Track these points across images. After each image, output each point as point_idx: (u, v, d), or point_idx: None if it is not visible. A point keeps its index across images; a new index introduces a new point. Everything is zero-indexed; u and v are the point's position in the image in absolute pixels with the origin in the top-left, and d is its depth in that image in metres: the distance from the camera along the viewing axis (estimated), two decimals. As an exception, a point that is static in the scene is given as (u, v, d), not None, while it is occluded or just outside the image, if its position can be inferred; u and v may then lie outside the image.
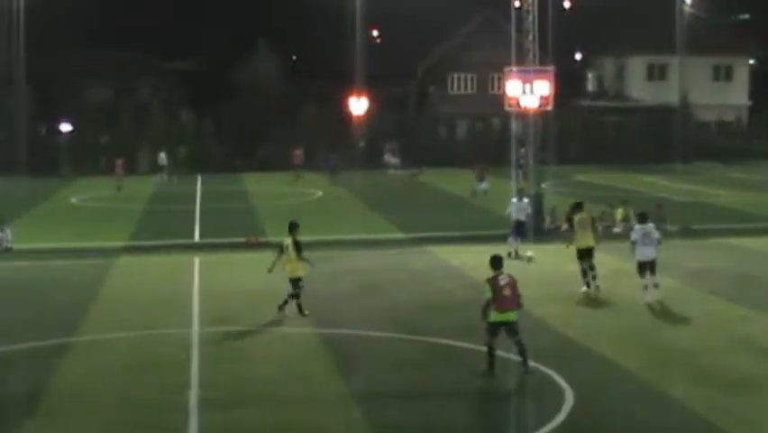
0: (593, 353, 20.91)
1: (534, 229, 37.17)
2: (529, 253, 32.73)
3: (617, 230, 38.41)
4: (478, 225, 40.19)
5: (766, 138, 65.85)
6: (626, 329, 22.98)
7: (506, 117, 56.66)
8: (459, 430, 16.30)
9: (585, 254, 27.43)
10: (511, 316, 18.84)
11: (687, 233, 38.34)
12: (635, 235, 25.82)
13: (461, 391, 18.36)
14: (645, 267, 25.51)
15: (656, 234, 25.87)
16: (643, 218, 26.58)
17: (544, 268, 31.24)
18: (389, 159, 73.47)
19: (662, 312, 24.70)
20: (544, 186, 41.69)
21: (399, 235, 38.24)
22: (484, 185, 53.20)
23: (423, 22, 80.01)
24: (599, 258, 27.80)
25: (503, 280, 18.94)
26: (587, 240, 27.65)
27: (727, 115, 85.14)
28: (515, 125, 45.83)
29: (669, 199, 47.89)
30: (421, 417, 16.90)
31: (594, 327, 23.19)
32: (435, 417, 16.88)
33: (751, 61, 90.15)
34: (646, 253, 25.59)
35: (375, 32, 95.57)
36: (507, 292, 18.82)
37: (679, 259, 32.30)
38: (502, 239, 33.87)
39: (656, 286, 25.44)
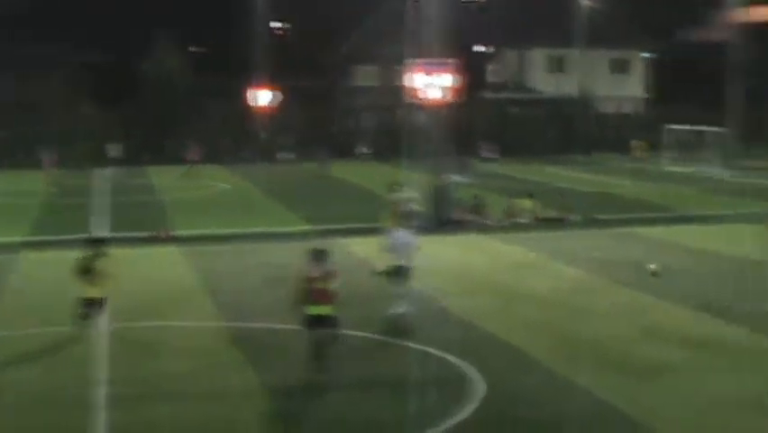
0: (503, 343, 20.97)
1: (438, 220, 37.31)
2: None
3: (523, 221, 38.70)
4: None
5: (662, 130, 66.90)
6: (535, 319, 23.08)
7: (411, 109, 56.79)
8: (371, 422, 16.19)
9: None
10: (323, 309, 18.31)
11: (591, 223, 38.77)
12: None
13: (372, 383, 18.27)
14: None
15: None
16: None
17: (451, 260, 31.30)
18: (284, 154, 72.87)
19: (570, 302, 24.88)
20: (451, 178, 41.72)
21: (307, 228, 38.02)
22: (464, 178, 53.69)
23: (329, 14, 79.81)
24: (505, 249, 27.97)
25: (316, 273, 18.42)
26: None
27: (625, 107, 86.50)
28: (418, 118, 45.89)
29: (572, 190, 48.40)
30: (333, 409, 16.76)
31: (503, 318, 23.25)
32: (347, 408, 16.75)
33: (646, 54, 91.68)
34: None
35: (280, 25, 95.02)
36: (319, 285, 18.32)
37: (583, 249, 32.68)
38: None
39: None
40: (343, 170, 63.69)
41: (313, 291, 18.32)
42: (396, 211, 31.28)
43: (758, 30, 78.12)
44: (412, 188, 36.75)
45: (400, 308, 22.09)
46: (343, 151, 72.31)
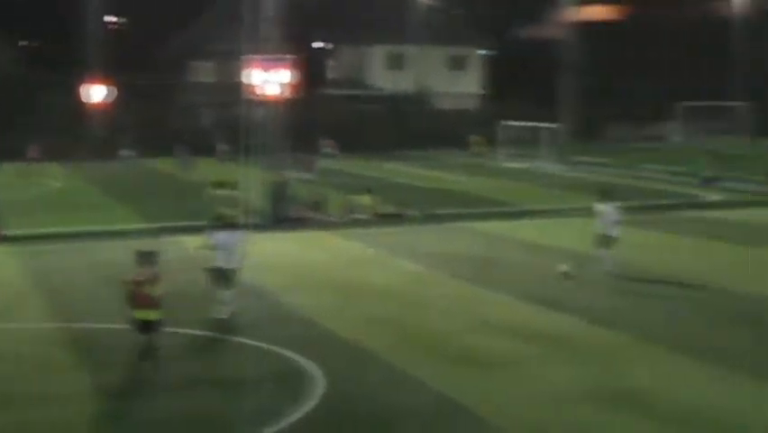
0: (342, 339, 20.95)
1: (276, 217, 37.16)
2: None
3: (361, 216, 38.82)
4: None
5: (498, 126, 67.97)
6: (374, 314, 23.14)
7: (249, 106, 56.39)
8: (210, 421, 15.97)
9: None
10: (148, 314, 17.96)
11: (429, 218, 39.14)
12: None
13: (209, 382, 17.98)
14: None
15: None
16: None
17: (289, 256, 31.19)
18: (125, 152, 71.08)
19: (409, 296, 25.04)
20: (290, 175, 41.61)
21: (144, 225, 37.33)
22: (309, 175, 53.97)
23: (166, 9, 78.62)
24: (344, 245, 27.97)
25: (141, 277, 18.12)
26: None
27: (462, 104, 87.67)
28: (256, 114, 45.56)
29: (410, 185, 48.78)
30: (170, 409, 16.47)
31: (342, 314, 23.24)
32: (185, 408, 16.47)
33: (483, 52, 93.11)
34: None
35: (115, 19, 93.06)
36: (145, 290, 17.98)
37: (422, 244, 32.97)
38: (252, 227, 33.64)
39: None
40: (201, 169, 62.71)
41: (137, 295, 17.98)
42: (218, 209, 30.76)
43: (590, 29, 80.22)
44: (253, 185, 36.46)
45: (223, 314, 21.81)
46: (201, 149, 70.86)
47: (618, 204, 28.01)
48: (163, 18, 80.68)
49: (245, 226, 35.19)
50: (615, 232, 27.16)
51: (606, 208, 27.38)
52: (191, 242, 32.20)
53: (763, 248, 31.93)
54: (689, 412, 16.04)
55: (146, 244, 23.11)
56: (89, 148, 68.64)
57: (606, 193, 27.96)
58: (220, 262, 22.00)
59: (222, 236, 22.21)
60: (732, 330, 21.46)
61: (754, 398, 16.81)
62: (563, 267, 26.99)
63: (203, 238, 23.18)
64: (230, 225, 23.22)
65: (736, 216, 40.02)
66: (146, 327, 17.98)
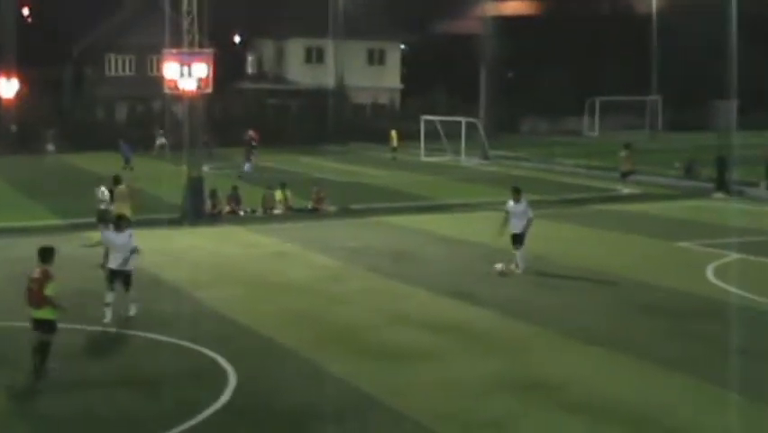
0: (256, 334, 20.85)
1: (193, 213, 36.86)
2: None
3: (277, 211, 38.67)
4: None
5: (418, 120, 68.07)
6: (289, 309, 23.08)
7: (168, 100, 56.07)
8: (123, 418, 15.77)
9: None
10: (35, 313, 17.67)
11: (345, 212, 39.11)
12: None
13: (122, 379, 17.77)
14: None
15: None
16: None
17: (204, 251, 30.96)
18: (50, 146, 69.69)
19: (323, 291, 25.01)
20: (205, 169, 41.22)
21: (57, 222, 36.75)
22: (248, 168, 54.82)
23: (79, 2, 77.53)
24: (260, 240, 27.81)
25: (35, 274, 17.81)
26: None
27: (381, 98, 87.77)
28: (174, 109, 45.24)
29: (327, 180, 48.65)
30: (81, 407, 16.23)
31: (256, 308, 23.14)
32: (96, 406, 16.26)
33: (402, 46, 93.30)
34: None
35: (26, 11, 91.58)
36: (33, 286, 17.70)
37: (337, 238, 32.93)
38: (167, 223, 33.60)
39: None
40: (93, 162, 61.72)
41: (32, 293, 17.69)
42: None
43: (509, 23, 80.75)
44: (168, 181, 36.03)
45: (107, 318, 21.11)
46: (96, 143, 69.81)
47: (528, 201, 27.63)
48: (79, 10, 79.35)
49: (161, 222, 35.19)
50: (527, 229, 26.88)
51: (518, 207, 26.93)
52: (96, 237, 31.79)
53: (676, 241, 32.39)
54: (602, 402, 16.26)
55: (53, 240, 22.63)
56: (3, 142, 67.31)
57: (518, 191, 27.28)
58: (111, 262, 21.35)
59: (111, 235, 21.61)
60: (644, 322, 21.77)
61: (665, 388, 17.07)
62: (499, 266, 26.85)
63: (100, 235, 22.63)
64: (120, 223, 22.33)
65: (651, 209, 40.56)
66: (37, 325, 17.66)
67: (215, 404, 16.19)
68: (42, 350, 17.58)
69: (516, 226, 26.79)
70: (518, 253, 26.81)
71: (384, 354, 19.25)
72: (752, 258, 29.11)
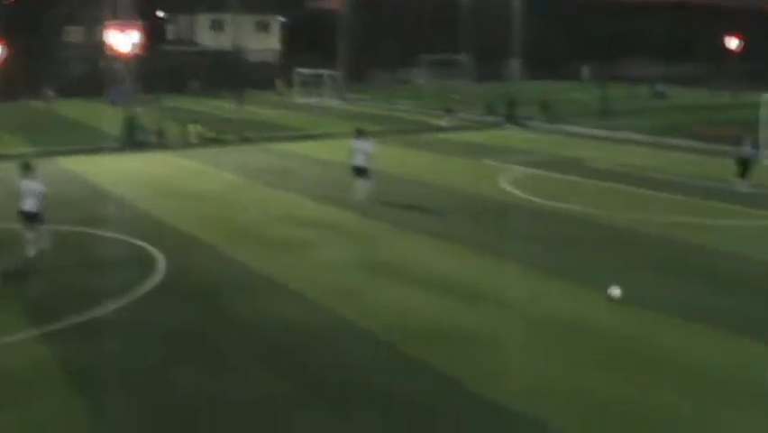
0: (181, 232, 20.51)
1: (129, 142, 35.97)
2: None
3: (193, 141, 37.77)
4: (88, 140, 37.73)
5: (293, 73, 67.15)
6: (204, 213, 22.72)
7: (110, 60, 54.03)
8: (81, 293, 15.30)
9: None
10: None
11: (244, 140, 38.48)
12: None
13: (78, 263, 17.33)
14: None
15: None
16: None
17: (139, 171, 30.12)
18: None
19: (229, 199, 24.68)
20: (138, 109, 40.08)
21: (32, 149, 35.04)
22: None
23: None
24: (180, 162, 27.11)
25: None
26: None
27: (267, 57, 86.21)
28: (114, 65, 43.69)
29: (230, 118, 47.65)
30: (48, 285, 15.78)
31: (180, 213, 22.70)
32: (60, 284, 15.83)
33: (282, 18, 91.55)
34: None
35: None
36: None
37: (238, 160, 32.43)
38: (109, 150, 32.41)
39: None
40: (71, 108, 59.14)
41: None
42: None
43: (361, 2, 79.78)
44: (110, 118, 34.75)
45: (32, 251, 17.84)
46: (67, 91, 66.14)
47: (371, 139, 25.48)
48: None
49: (104, 150, 34.04)
50: (369, 163, 24.28)
51: (361, 144, 24.49)
52: (68, 163, 30.71)
53: (479, 160, 32.88)
54: (433, 276, 16.51)
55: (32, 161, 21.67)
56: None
57: (360, 131, 25.14)
58: (24, 205, 17.98)
59: (24, 183, 18.27)
60: (459, 218, 22.14)
61: (477, 265, 17.44)
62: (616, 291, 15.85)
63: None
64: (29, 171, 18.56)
65: (462, 137, 40.99)
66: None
67: (151, 281, 16.01)
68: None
69: (357, 160, 24.33)
70: (361, 182, 24.40)
71: (275, 244, 19.19)
72: (530, 171, 29.79)
